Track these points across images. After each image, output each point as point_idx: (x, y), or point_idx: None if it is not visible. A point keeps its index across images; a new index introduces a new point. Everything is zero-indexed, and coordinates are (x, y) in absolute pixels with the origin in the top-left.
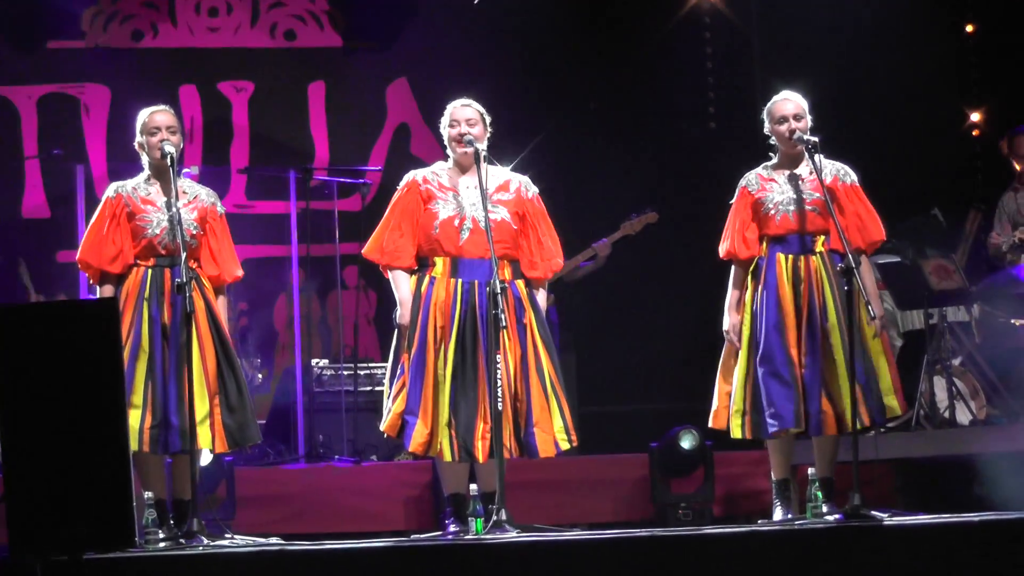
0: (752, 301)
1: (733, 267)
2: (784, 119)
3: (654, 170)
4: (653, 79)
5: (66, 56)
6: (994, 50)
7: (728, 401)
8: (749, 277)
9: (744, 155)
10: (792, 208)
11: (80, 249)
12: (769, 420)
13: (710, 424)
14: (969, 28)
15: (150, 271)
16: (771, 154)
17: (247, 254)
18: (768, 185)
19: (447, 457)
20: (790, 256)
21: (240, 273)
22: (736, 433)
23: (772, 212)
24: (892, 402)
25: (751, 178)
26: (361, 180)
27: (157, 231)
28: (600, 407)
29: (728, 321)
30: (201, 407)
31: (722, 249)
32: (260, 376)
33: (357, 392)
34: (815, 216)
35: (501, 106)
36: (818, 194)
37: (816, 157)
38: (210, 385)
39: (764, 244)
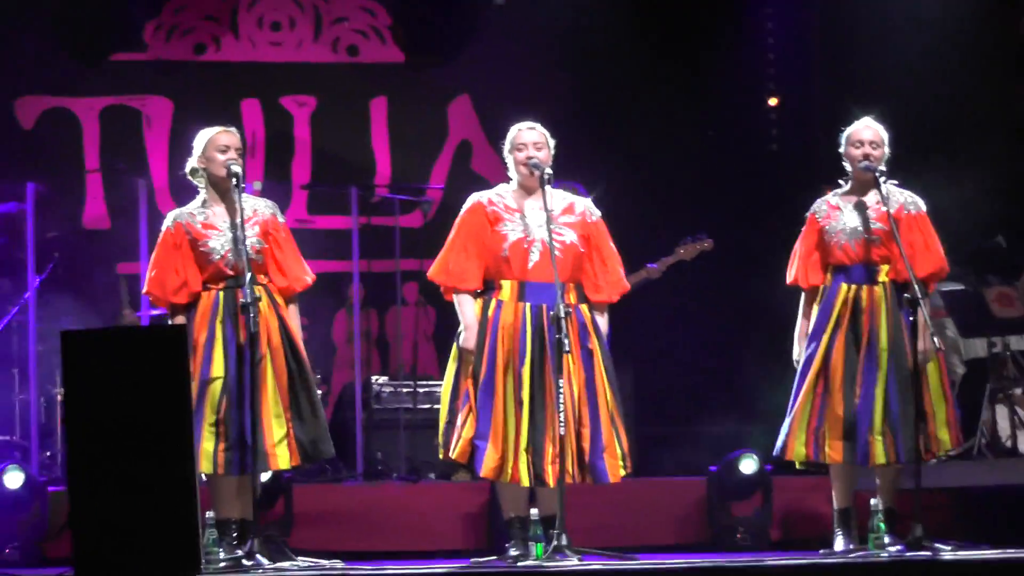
0: (813, 330)
1: (803, 295)
2: (860, 143)
3: (713, 192)
4: (715, 100)
5: (128, 69)
6: None
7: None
8: (815, 306)
9: (805, 178)
10: (856, 237)
11: (146, 282)
12: (826, 450)
13: (784, 454)
14: None
15: (221, 293)
16: (840, 181)
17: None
18: (834, 213)
19: (524, 482)
20: (852, 286)
21: (310, 279)
22: (798, 458)
23: (835, 240)
24: (944, 435)
25: (820, 206)
26: (423, 197)
27: (221, 254)
28: (659, 428)
29: (797, 351)
30: (279, 429)
31: (788, 276)
32: (319, 392)
33: (415, 409)
34: (879, 245)
35: (562, 124)
36: (882, 223)
37: (883, 186)
38: (283, 401)
39: (828, 273)
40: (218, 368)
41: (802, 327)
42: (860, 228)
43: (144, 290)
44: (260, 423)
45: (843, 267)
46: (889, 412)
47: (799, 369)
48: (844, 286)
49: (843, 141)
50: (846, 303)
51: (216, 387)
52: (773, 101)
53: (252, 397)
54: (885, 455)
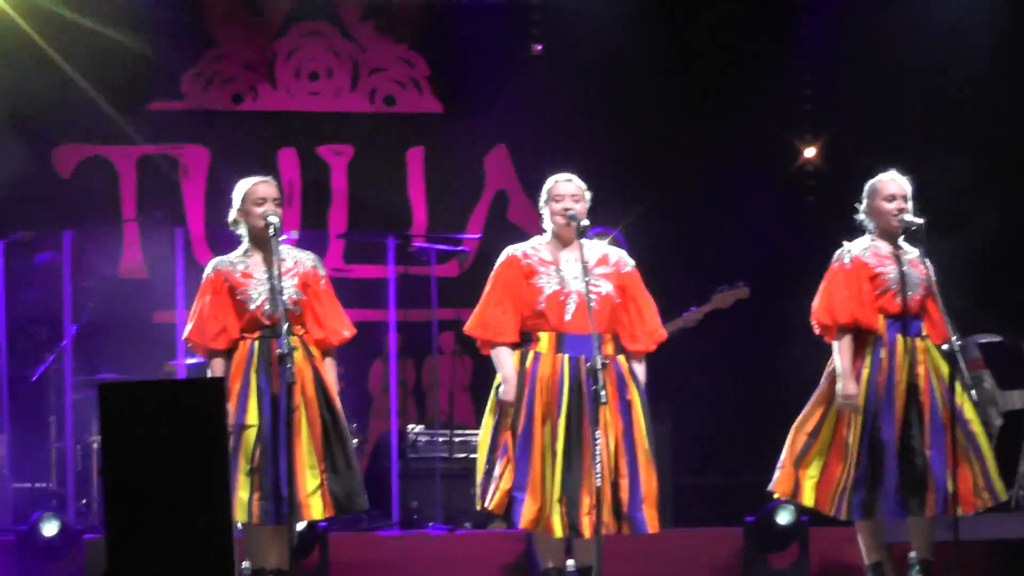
0: (868, 378)
1: (844, 335)
2: (893, 197)
3: (750, 239)
4: (751, 149)
5: (166, 117)
6: None
7: (796, 470)
8: (867, 350)
9: (840, 228)
10: (910, 290)
11: (187, 328)
12: (884, 504)
13: (771, 487)
14: None
15: (256, 343)
16: (867, 231)
17: None
18: (885, 262)
19: (558, 533)
20: (908, 337)
21: (348, 334)
22: (844, 515)
23: (893, 289)
24: (1000, 486)
25: (863, 252)
26: (460, 248)
27: (259, 303)
28: (694, 478)
29: (849, 389)
30: (312, 479)
31: (843, 315)
32: (356, 441)
33: (451, 459)
34: (921, 299)
35: (597, 173)
36: (923, 277)
37: (915, 241)
38: (318, 454)
39: (881, 320)
40: (252, 417)
41: (849, 363)
42: (911, 280)
43: (184, 335)
44: (295, 474)
45: (897, 317)
46: (956, 463)
47: (854, 406)
48: (900, 337)
49: (869, 195)
50: (904, 353)
51: (251, 436)
52: (810, 153)
53: (287, 447)
54: (958, 506)
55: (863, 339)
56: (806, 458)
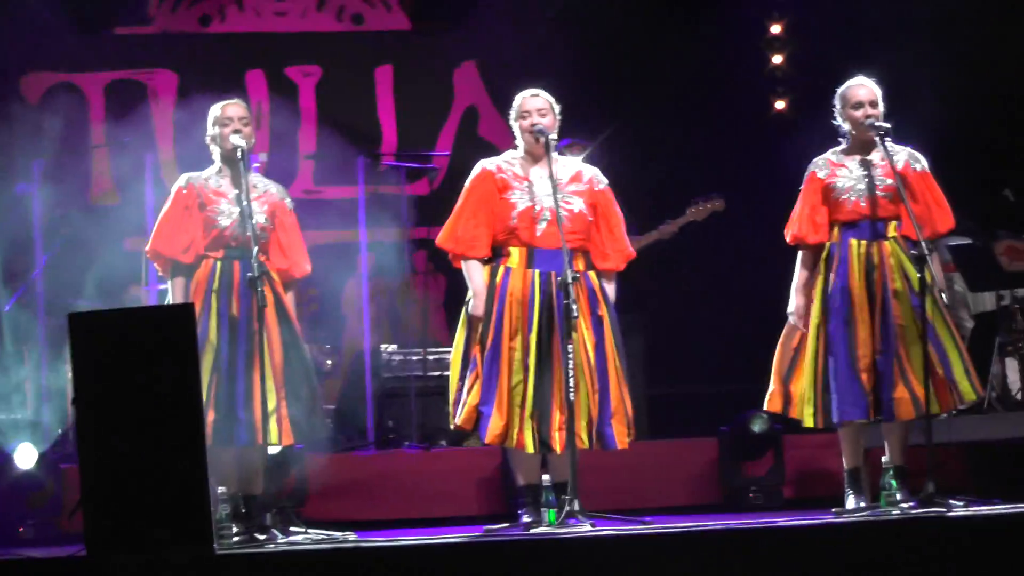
0: (823, 288)
1: (801, 252)
2: (860, 104)
3: (723, 152)
4: (721, 61)
5: (133, 42)
6: None
7: (786, 386)
8: (821, 263)
9: (815, 140)
10: (864, 193)
11: (151, 239)
12: (838, 409)
13: (765, 406)
14: None
15: (219, 263)
16: (840, 139)
17: (316, 240)
18: (839, 170)
19: (529, 448)
20: (863, 242)
21: (308, 269)
22: (808, 422)
23: (844, 197)
24: (966, 387)
25: (819, 163)
26: (429, 164)
27: (227, 223)
28: (669, 389)
29: (794, 303)
30: (271, 401)
31: (789, 234)
32: (329, 362)
33: (426, 377)
34: (887, 202)
35: (568, 89)
36: (890, 180)
37: (888, 143)
38: (277, 379)
39: (835, 230)
40: (212, 339)
41: (800, 278)
42: (867, 184)
43: (147, 247)
44: (252, 397)
45: (851, 223)
46: (912, 367)
47: (797, 321)
48: (854, 242)
49: (838, 103)
50: (857, 261)
51: (208, 358)
52: (776, 28)
53: (245, 371)
54: (914, 410)
55: (817, 252)
56: (794, 373)
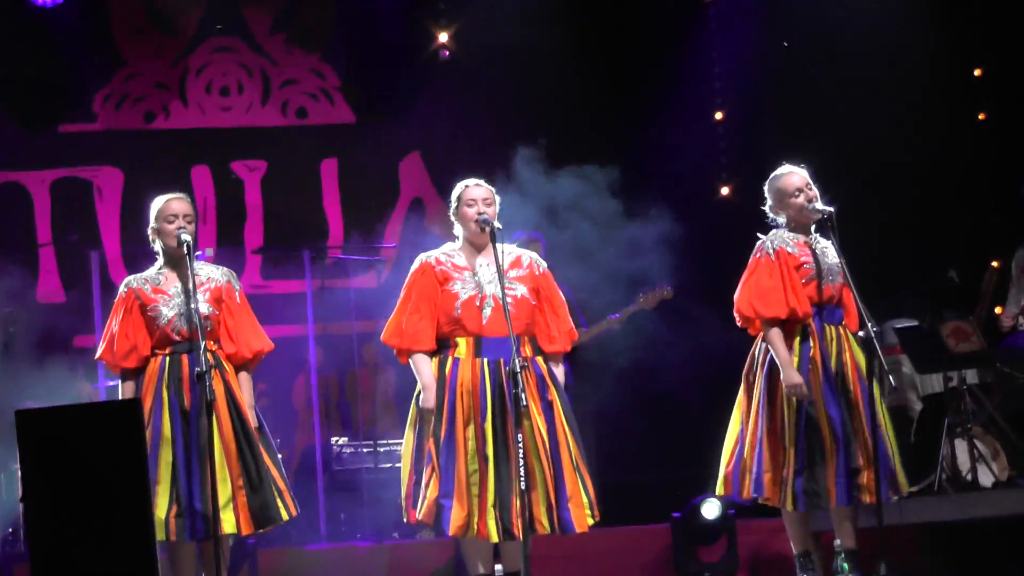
0: (799, 367)
1: (772, 327)
2: (800, 191)
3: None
4: (664, 144)
5: (78, 139)
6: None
7: (755, 469)
8: (795, 339)
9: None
10: (828, 278)
11: (99, 348)
12: (811, 494)
13: (721, 491)
14: (977, 72)
15: (167, 359)
16: (777, 223)
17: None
18: (807, 251)
19: (493, 537)
20: (830, 325)
21: (262, 345)
22: (789, 505)
23: (815, 280)
24: (903, 477)
25: (786, 240)
26: (376, 257)
27: (169, 318)
28: (620, 477)
29: (794, 377)
30: (223, 492)
31: (770, 308)
32: (280, 457)
33: (377, 469)
34: (839, 286)
35: (514, 177)
36: (836, 264)
37: (830, 232)
38: (232, 469)
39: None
40: (166, 434)
41: (787, 354)
42: (830, 268)
43: (96, 355)
44: (205, 489)
45: (822, 306)
46: (868, 452)
47: (804, 393)
48: (828, 326)
49: (773, 193)
50: (831, 341)
51: (165, 454)
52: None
53: (199, 463)
54: (872, 493)
55: (790, 329)
56: (744, 454)
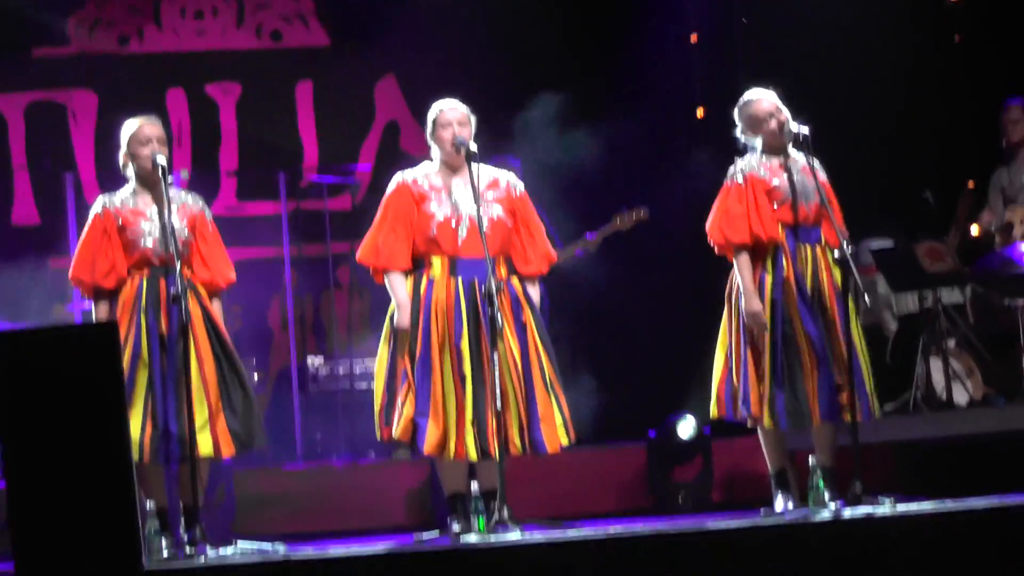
0: (772, 289)
1: (741, 253)
2: (771, 115)
3: (646, 161)
4: (640, 69)
5: (52, 63)
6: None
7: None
8: (767, 262)
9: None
10: (803, 198)
11: (72, 266)
12: (793, 413)
13: (715, 413)
14: None
15: (145, 281)
16: (750, 148)
17: (239, 256)
18: (778, 173)
19: (472, 457)
20: (806, 245)
21: (233, 276)
22: (768, 423)
23: (788, 200)
24: (875, 403)
25: (754, 165)
26: (351, 179)
27: (149, 242)
28: (596, 396)
29: (753, 305)
30: (200, 414)
31: (738, 234)
32: (256, 377)
33: (353, 390)
34: (816, 206)
35: (488, 100)
36: (811, 185)
37: (806, 149)
38: (211, 392)
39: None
40: (143, 356)
41: (752, 280)
42: (803, 189)
43: (71, 274)
44: (182, 412)
45: (794, 227)
46: (843, 370)
47: (763, 322)
48: (800, 245)
49: (745, 117)
50: (803, 261)
51: (143, 376)
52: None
53: (175, 386)
54: (852, 411)
55: (762, 251)
56: (732, 376)
